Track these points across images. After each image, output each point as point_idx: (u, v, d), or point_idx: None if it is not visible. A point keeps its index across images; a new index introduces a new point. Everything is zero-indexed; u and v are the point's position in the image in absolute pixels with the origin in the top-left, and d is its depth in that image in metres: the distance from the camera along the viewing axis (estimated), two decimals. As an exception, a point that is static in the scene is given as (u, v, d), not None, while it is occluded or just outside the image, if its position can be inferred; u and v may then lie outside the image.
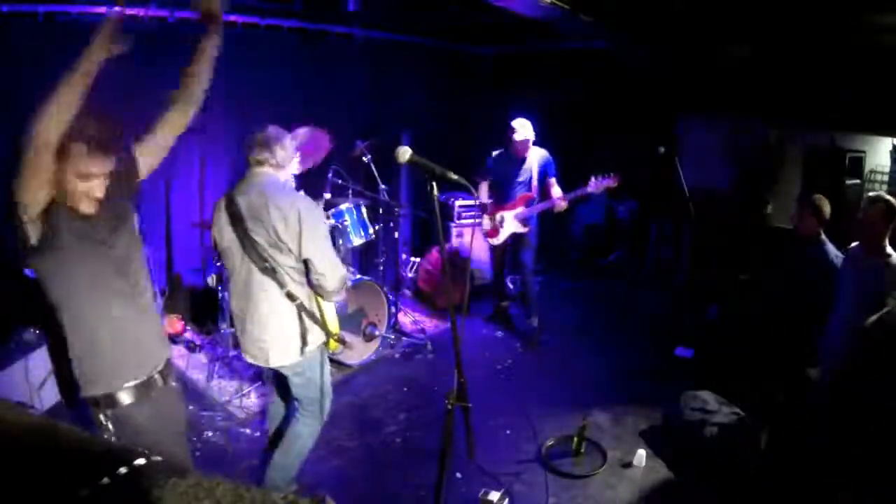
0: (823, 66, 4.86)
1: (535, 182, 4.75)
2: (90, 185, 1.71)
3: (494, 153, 4.91)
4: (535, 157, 4.74)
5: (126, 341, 1.82)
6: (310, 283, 2.55)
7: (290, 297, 2.47)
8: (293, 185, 2.71)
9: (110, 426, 1.79)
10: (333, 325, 2.71)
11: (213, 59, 2.03)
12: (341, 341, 2.76)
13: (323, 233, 2.49)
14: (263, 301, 2.49)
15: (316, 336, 2.60)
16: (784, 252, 4.06)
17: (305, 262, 2.48)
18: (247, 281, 2.49)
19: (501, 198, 4.87)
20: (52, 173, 1.63)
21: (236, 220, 2.44)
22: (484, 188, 4.94)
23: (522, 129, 4.60)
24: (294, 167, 2.77)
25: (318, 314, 2.59)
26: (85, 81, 1.65)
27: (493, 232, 4.92)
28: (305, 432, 2.79)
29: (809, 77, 5.00)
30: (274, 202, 2.38)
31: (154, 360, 1.91)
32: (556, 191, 4.69)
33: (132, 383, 1.83)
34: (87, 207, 1.73)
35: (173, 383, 2.02)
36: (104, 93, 4.39)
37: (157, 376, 1.90)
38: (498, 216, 4.87)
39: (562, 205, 4.63)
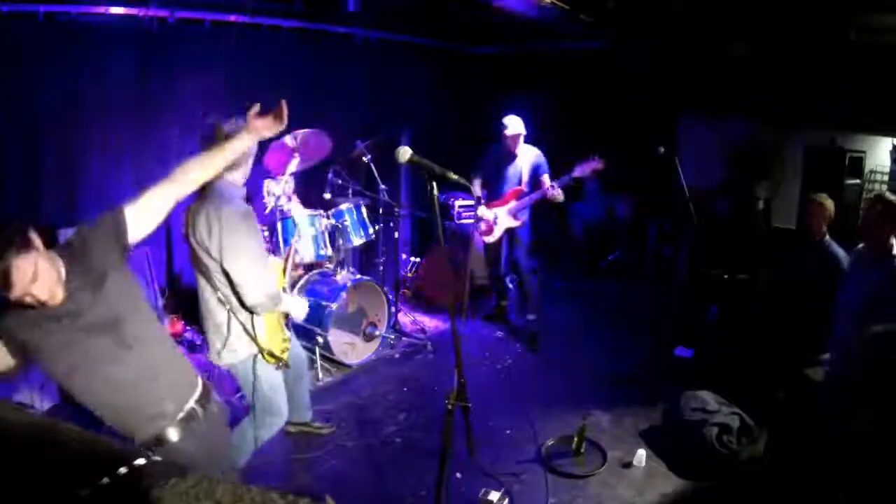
0: (823, 65, 4.86)
1: (524, 178, 4.74)
2: (32, 298, 1.59)
3: (486, 149, 4.94)
4: (527, 154, 4.75)
5: (132, 401, 1.77)
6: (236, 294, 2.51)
7: (221, 301, 2.50)
8: (240, 187, 2.54)
9: None
10: (266, 340, 2.62)
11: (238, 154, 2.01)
12: (274, 357, 2.67)
13: (245, 247, 2.41)
14: (203, 301, 2.57)
15: (244, 346, 2.57)
16: (788, 252, 4.05)
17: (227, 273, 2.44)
18: (197, 280, 2.57)
19: (492, 194, 4.89)
20: None
21: (187, 223, 2.47)
22: (476, 184, 4.96)
23: (513, 125, 4.62)
24: (246, 171, 2.55)
25: (249, 325, 2.55)
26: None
27: (488, 230, 4.92)
28: (249, 432, 2.76)
29: (810, 77, 5.00)
30: (205, 207, 2.37)
31: (177, 401, 1.85)
32: (547, 181, 4.67)
33: (169, 424, 1.79)
34: (40, 303, 1.61)
35: (214, 408, 1.97)
36: (105, 92, 4.34)
37: (195, 406, 1.85)
38: (491, 213, 4.88)
39: (555, 193, 4.55)
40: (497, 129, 4.77)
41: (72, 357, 1.68)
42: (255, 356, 2.60)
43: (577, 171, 4.54)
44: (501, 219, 4.85)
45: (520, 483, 3.12)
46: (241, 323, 2.53)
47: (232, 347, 2.55)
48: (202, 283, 2.53)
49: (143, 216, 1.82)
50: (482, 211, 4.91)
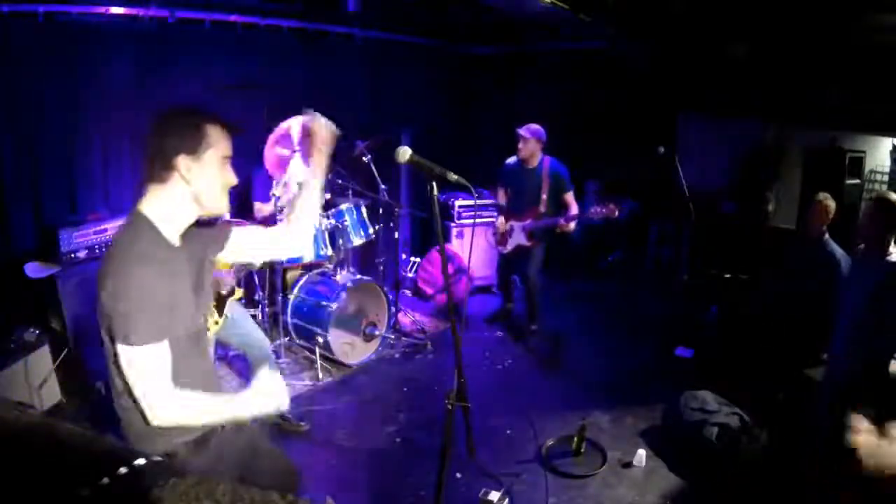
0: (824, 65, 4.86)
1: (544, 195, 4.70)
2: (229, 170, 1.59)
3: (508, 160, 4.91)
4: (547, 168, 4.70)
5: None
6: None
7: None
8: None
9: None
10: None
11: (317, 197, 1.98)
12: None
13: None
14: None
15: None
16: (786, 252, 4.06)
17: None
18: None
19: (513, 206, 4.89)
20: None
21: None
22: (501, 193, 5.00)
23: (527, 137, 4.60)
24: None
25: None
26: None
27: (503, 240, 4.93)
28: None
29: (810, 77, 5.00)
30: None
31: None
32: (574, 209, 4.70)
33: (190, 438, 1.59)
34: (223, 204, 1.62)
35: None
36: (106, 92, 4.34)
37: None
38: (508, 225, 4.88)
39: (565, 226, 4.64)
40: (499, 130, 4.77)
41: (188, 321, 1.61)
42: None
43: (592, 213, 4.54)
44: (516, 233, 4.85)
45: (520, 483, 3.12)
46: None
47: None
48: None
49: (244, 243, 1.85)
50: (500, 222, 4.93)
